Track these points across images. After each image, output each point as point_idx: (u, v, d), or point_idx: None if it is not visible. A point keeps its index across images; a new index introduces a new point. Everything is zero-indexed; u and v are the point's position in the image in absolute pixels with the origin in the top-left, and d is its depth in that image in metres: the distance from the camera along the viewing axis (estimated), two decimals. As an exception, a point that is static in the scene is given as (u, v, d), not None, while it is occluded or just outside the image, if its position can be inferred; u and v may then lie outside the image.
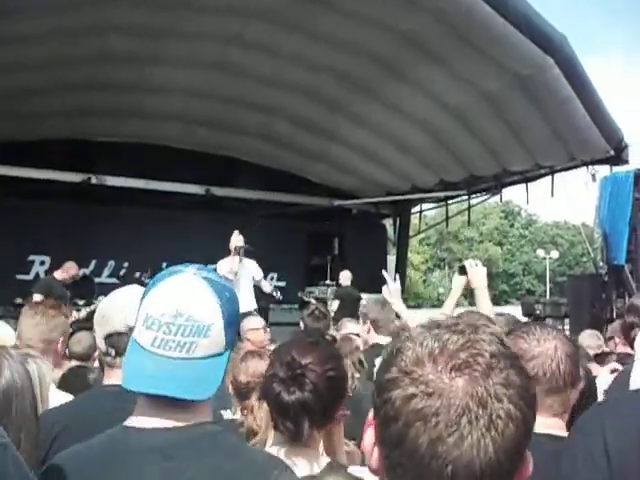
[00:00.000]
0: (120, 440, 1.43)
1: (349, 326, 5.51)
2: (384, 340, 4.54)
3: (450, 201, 15.01)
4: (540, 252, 50.36)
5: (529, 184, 12.73)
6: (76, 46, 9.99)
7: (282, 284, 15.12)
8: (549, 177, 12.10)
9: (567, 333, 9.38)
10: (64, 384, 3.28)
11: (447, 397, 0.83)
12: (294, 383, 1.84)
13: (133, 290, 2.05)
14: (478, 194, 14.27)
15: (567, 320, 11.65)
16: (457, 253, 52.88)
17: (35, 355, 2.66)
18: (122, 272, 13.53)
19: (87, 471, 1.41)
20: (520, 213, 62.18)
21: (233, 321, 1.49)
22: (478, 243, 57.07)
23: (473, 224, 46.57)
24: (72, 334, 4.30)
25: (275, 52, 10.65)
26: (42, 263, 12.91)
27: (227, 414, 3.04)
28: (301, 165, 14.60)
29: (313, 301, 10.07)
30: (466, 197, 14.42)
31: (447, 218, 15.74)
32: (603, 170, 11.19)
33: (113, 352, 2.08)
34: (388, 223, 16.74)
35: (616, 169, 11.05)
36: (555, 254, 49.59)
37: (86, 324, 5.48)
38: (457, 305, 4.49)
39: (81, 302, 10.04)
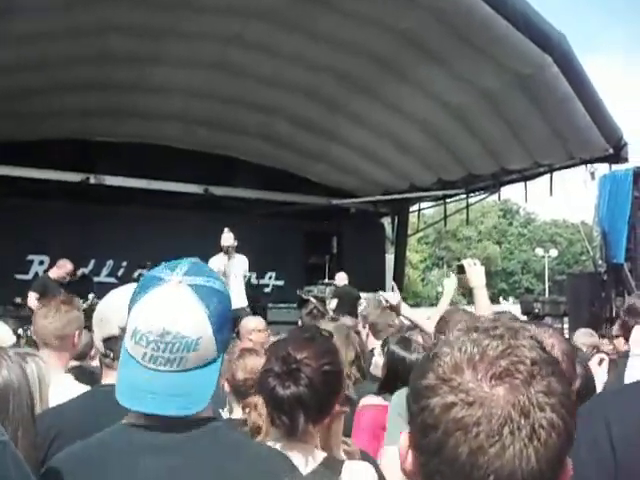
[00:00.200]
0: (120, 438, 1.43)
1: (348, 324, 5.50)
2: None
3: (448, 200, 15.02)
4: (539, 251, 50.32)
5: (527, 183, 12.74)
6: (76, 46, 9.99)
7: (280, 283, 15.14)
8: (548, 176, 12.10)
9: (566, 332, 9.40)
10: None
11: (488, 406, 0.81)
12: (289, 377, 1.84)
13: (130, 290, 2.05)
14: (476, 193, 14.28)
15: (566, 319, 11.64)
16: (455, 252, 52.83)
17: (35, 354, 2.66)
18: (121, 271, 13.54)
19: (87, 470, 1.40)
20: (518, 212, 62.12)
21: (225, 323, 1.47)
22: (476, 242, 57.06)
23: (471, 223, 46.54)
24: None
25: (275, 52, 10.64)
26: (41, 263, 12.90)
27: (224, 414, 3.04)
28: (300, 164, 14.59)
29: (312, 299, 10.07)
30: (464, 196, 14.42)
31: (445, 217, 15.75)
32: (602, 168, 11.20)
33: (111, 354, 2.08)
34: (386, 222, 16.74)
35: (615, 167, 11.05)
36: (554, 253, 49.58)
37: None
38: (454, 304, 4.51)
39: (80, 301, 10.04)
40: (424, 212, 17.25)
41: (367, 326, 4.96)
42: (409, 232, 16.93)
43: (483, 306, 3.86)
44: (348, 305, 10.32)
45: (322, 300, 10.95)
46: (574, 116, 10.20)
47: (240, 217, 12.11)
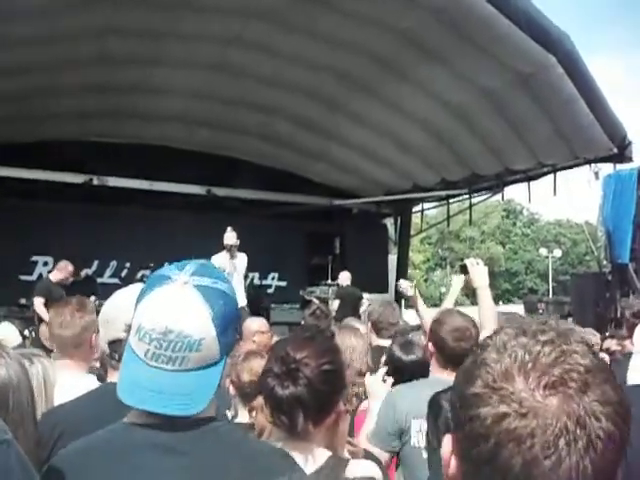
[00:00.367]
0: (121, 436, 1.43)
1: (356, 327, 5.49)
2: (385, 343, 4.52)
3: (451, 200, 14.99)
4: (543, 251, 50.29)
5: (531, 183, 12.71)
6: (77, 48, 10.00)
7: (283, 284, 15.14)
8: (551, 175, 12.07)
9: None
10: None
11: (543, 417, 0.79)
12: (288, 377, 1.85)
13: (135, 291, 2.04)
14: (480, 193, 14.25)
15: (570, 319, 11.61)
16: (459, 252, 52.81)
17: (40, 355, 2.65)
18: (124, 272, 13.55)
19: (89, 468, 1.40)
20: (522, 212, 62.10)
21: (230, 325, 1.47)
22: (480, 242, 57.04)
23: (475, 223, 46.53)
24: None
25: (275, 52, 10.63)
26: (45, 264, 12.92)
27: (229, 414, 3.03)
28: (302, 165, 14.59)
29: (315, 300, 10.08)
30: (467, 196, 14.39)
31: (448, 217, 15.73)
32: (606, 168, 11.16)
33: (117, 356, 2.07)
34: (389, 222, 16.72)
35: (620, 167, 11.01)
36: (558, 253, 49.52)
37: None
38: (457, 304, 4.49)
39: (92, 302, 10.04)
40: (427, 212, 17.24)
41: (369, 324, 4.95)
42: (412, 232, 16.90)
43: (487, 306, 3.84)
44: (350, 306, 10.31)
45: (325, 301, 10.95)
46: (578, 115, 10.17)
47: (243, 218, 12.11)
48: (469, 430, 0.83)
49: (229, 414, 3.03)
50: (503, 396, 0.81)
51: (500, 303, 40.14)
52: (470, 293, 4.33)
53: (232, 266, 9.62)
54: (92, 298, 9.56)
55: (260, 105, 12.30)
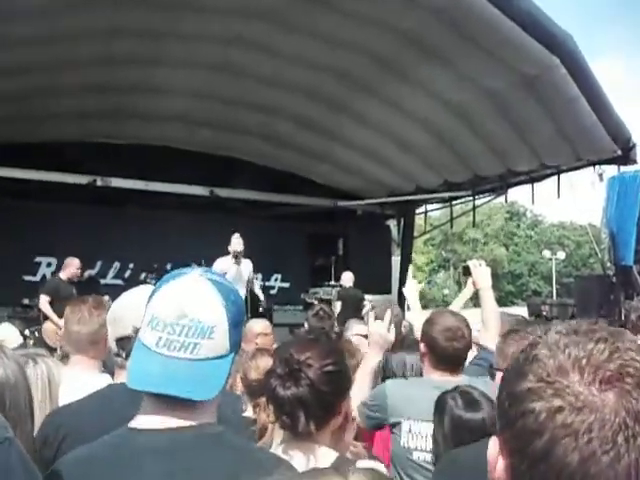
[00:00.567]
0: (125, 442, 1.43)
1: (356, 328, 5.48)
2: None
3: (455, 202, 14.98)
4: (546, 253, 50.22)
5: (535, 184, 12.69)
6: (78, 48, 9.99)
7: (286, 285, 15.14)
8: (555, 177, 12.05)
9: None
10: None
11: (601, 412, 0.77)
12: (290, 378, 1.87)
13: (144, 291, 2.05)
14: (483, 195, 14.24)
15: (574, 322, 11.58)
16: (462, 254, 52.76)
17: (44, 355, 2.66)
18: (127, 273, 13.57)
19: (92, 474, 1.40)
20: (525, 214, 62.06)
21: (238, 323, 1.49)
22: (483, 244, 56.99)
23: (478, 225, 46.49)
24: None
25: (276, 52, 10.63)
26: (49, 265, 12.95)
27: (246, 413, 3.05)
28: (305, 166, 14.59)
29: (316, 302, 10.07)
30: (471, 198, 14.38)
31: (452, 219, 15.72)
32: (610, 170, 11.14)
33: (124, 354, 2.10)
34: (392, 224, 16.71)
35: (624, 169, 10.99)
36: (561, 255, 49.46)
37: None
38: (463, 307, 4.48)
39: (108, 301, 10.06)
40: (430, 214, 17.20)
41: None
42: (415, 234, 16.90)
43: (490, 308, 3.83)
44: (352, 308, 10.29)
45: (328, 302, 10.93)
46: (582, 117, 10.15)
47: (246, 219, 12.12)
48: (521, 426, 0.81)
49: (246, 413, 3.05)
50: (558, 389, 0.79)
51: (509, 304, 40.13)
52: (473, 295, 4.32)
53: (237, 272, 9.62)
54: (106, 297, 9.60)
55: (262, 105, 12.29)
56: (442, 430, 2.50)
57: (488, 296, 3.87)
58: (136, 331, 1.54)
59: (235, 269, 9.58)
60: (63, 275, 10.10)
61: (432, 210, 16.67)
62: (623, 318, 9.44)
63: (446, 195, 14.48)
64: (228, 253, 9.74)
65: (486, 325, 3.45)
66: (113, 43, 10.05)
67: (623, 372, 0.79)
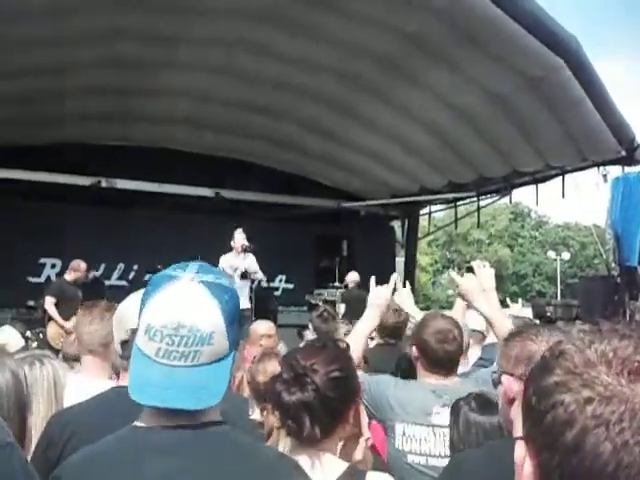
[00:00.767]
0: (130, 441, 1.43)
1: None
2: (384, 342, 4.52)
3: (459, 202, 14.97)
4: (551, 253, 50.12)
5: (539, 185, 12.68)
6: (84, 51, 10.03)
7: (290, 286, 15.15)
8: (559, 178, 12.04)
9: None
10: None
11: (631, 402, 0.76)
12: (295, 383, 1.87)
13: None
14: (487, 195, 14.23)
15: (578, 322, 11.56)
16: (466, 255, 52.69)
17: (50, 356, 2.66)
18: (132, 275, 13.58)
19: (96, 473, 1.41)
20: (530, 214, 61.94)
21: (235, 320, 1.48)
22: (487, 245, 56.91)
23: (482, 226, 46.43)
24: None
25: (282, 55, 10.64)
26: (53, 266, 12.98)
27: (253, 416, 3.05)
28: (309, 167, 14.61)
29: (320, 304, 10.07)
30: (475, 198, 14.37)
31: (456, 220, 15.70)
32: (615, 171, 11.12)
33: (127, 356, 2.08)
34: (397, 225, 16.72)
35: (628, 169, 10.97)
36: (566, 256, 49.34)
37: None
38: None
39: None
40: (434, 215, 17.22)
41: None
42: (419, 235, 16.89)
43: (495, 308, 3.82)
44: (357, 309, 10.26)
45: (332, 304, 10.93)
46: (586, 118, 10.14)
47: (251, 220, 12.11)
48: (551, 420, 0.81)
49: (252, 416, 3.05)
50: (586, 380, 0.79)
51: (509, 302, 39.94)
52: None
53: (244, 267, 9.66)
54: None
55: (268, 108, 12.31)
56: (457, 433, 2.50)
57: (492, 297, 3.87)
58: (134, 331, 1.53)
59: (242, 265, 9.63)
60: (68, 277, 10.11)
61: (436, 211, 16.68)
62: (628, 319, 9.43)
63: (450, 196, 14.47)
64: (230, 249, 9.76)
65: (494, 324, 3.42)
66: (118, 46, 10.07)
67: None
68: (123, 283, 13.23)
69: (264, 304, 11.84)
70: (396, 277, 3.28)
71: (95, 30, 9.53)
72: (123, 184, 12.72)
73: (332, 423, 1.89)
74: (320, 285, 14.07)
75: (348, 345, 2.11)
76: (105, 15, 9.20)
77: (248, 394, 3.17)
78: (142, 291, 2.16)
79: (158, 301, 1.44)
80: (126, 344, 2.09)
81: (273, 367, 2.97)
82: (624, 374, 0.79)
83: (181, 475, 1.37)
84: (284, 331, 7.43)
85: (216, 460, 1.39)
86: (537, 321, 10.40)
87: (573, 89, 9.73)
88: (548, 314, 12.16)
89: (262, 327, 5.44)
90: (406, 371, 3.47)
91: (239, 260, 9.64)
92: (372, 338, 4.86)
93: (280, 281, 15.18)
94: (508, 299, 6.70)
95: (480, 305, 3.30)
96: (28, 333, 8.40)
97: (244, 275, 9.96)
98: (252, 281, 10.37)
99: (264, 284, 13.79)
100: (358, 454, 2.02)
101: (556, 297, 32.74)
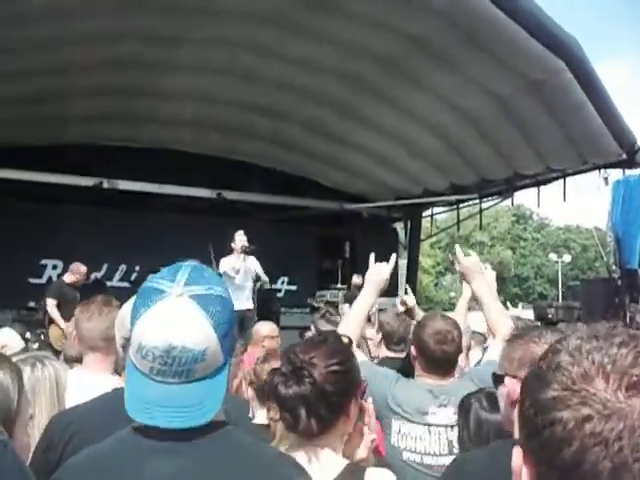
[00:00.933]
0: (131, 442, 1.43)
1: (365, 331, 5.46)
2: (394, 355, 4.50)
3: (461, 205, 14.98)
4: (552, 256, 50.08)
5: (541, 188, 12.69)
6: (89, 52, 10.05)
7: (293, 288, 15.13)
8: (561, 181, 12.05)
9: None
10: None
11: (630, 418, 0.76)
12: (293, 376, 1.87)
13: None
14: (489, 198, 14.23)
15: (580, 325, 11.55)
16: (469, 257, 52.48)
17: (51, 357, 2.67)
18: (134, 276, 13.58)
19: (99, 475, 1.40)
20: (531, 217, 61.89)
21: (229, 329, 1.46)
22: (489, 247, 56.85)
23: (484, 228, 46.35)
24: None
25: (286, 57, 10.66)
26: (55, 267, 12.98)
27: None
28: (312, 169, 14.61)
29: (323, 305, 10.08)
30: (477, 201, 14.37)
31: (458, 222, 15.71)
32: (615, 173, 11.13)
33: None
34: (399, 226, 16.71)
35: (629, 172, 10.98)
36: (567, 258, 49.28)
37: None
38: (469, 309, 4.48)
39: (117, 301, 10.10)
40: (437, 217, 17.19)
41: (380, 334, 4.91)
42: (422, 237, 16.89)
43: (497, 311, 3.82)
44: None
45: (334, 305, 10.93)
46: (587, 121, 10.15)
47: (253, 222, 12.12)
48: (549, 436, 0.80)
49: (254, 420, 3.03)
50: (584, 397, 0.78)
51: (509, 306, 39.92)
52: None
53: (246, 268, 9.67)
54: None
55: (271, 109, 12.32)
56: (467, 431, 2.49)
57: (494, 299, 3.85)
58: (127, 340, 1.52)
59: (244, 266, 9.64)
60: (67, 279, 10.10)
61: (439, 213, 16.66)
62: (628, 321, 9.43)
63: (453, 198, 14.47)
64: (231, 251, 9.77)
65: (484, 304, 3.39)
66: (121, 47, 10.10)
67: None
68: (125, 284, 13.21)
69: (267, 306, 11.84)
70: (395, 257, 3.28)
71: (99, 31, 9.55)
72: (125, 185, 12.73)
73: (330, 417, 1.88)
74: (323, 287, 14.07)
75: (350, 340, 2.11)
76: (108, 16, 9.22)
77: (250, 395, 3.16)
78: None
79: (148, 320, 1.41)
80: (125, 347, 2.10)
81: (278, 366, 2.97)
82: (622, 389, 0.78)
83: (182, 476, 1.36)
84: (286, 333, 7.43)
85: (217, 461, 1.39)
86: (538, 323, 10.41)
87: (574, 92, 9.74)
88: (550, 316, 12.16)
89: (265, 328, 5.46)
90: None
91: (240, 261, 9.65)
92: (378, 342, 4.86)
93: (283, 283, 15.17)
94: (508, 302, 6.70)
95: (477, 286, 3.31)
96: (28, 334, 8.41)
97: (257, 279, 10.01)
98: (255, 282, 10.36)
99: (267, 285, 13.79)
100: (362, 452, 2.02)
101: (557, 299, 32.68)
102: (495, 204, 15.26)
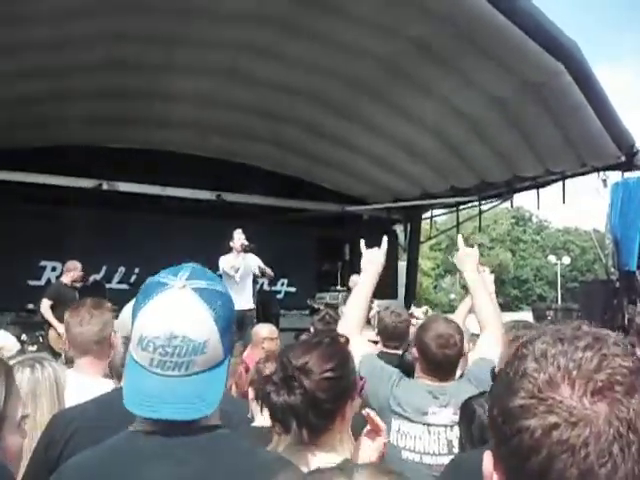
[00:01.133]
0: (127, 445, 1.43)
1: (365, 333, 5.46)
2: (392, 352, 4.52)
3: (461, 207, 14.99)
4: (551, 258, 50.10)
5: (540, 190, 12.71)
6: (89, 53, 10.05)
7: (292, 290, 15.14)
8: (560, 183, 12.07)
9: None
10: None
11: (595, 425, 0.76)
12: (284, 385, 1.85)
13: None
14: (489, 200, 14.25)
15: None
16: (468, 259, 52.44)
17: (49, 359, 2.67)
18: (133, 278, 13.57)
19: (97, 478, 1.41)
20: (531, 219, 61.92)
21: (229, 326, 1.47)
22: (489, 249, 56.86)
23: (484, 230, 46.38)
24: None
25: (287, 59, 10.67)
26: (54, 269, 12.96)
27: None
28: (312, 171, 14.62)
29: (322, 307, 10.08)
30: (477, 203, 14.39)
31: (458, 224, 15.71)
32: (614, 176, 11.15)
33: None
34: (399, 229, 16.72)
35: (627, 175, 11.00)
36: (567, 260, 49.30)
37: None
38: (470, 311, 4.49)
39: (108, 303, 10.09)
40: (436, 219, 17.23)
41: (377, 331, 4.93)
42: (421, 239, 16.89)
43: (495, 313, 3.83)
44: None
45: (334, 307, 10.94)
46: (586, 124, 10.16)
47: (253, 224, 12.12)
48: (517, 444, 0.80)
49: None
50: (551, 405, 0.79)
51: (515, 309, 40.01)
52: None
53: (246, 266, 9.65)
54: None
55: (272, 112, 12.32)
56: (471, 438, 2.49)
57: (492, 298, 3.87)
58: (127, 339, 1.52)
59: (243, 265, 9.61)
60: (65, 279, 10.08)
61: (438, 215, 16.69)
62: (626, 322, 9.44)
63: (452, 200, 14.48)
64: (230, 250, 9.75)
65: (474, 296, 3.39)
66: (122, 49, 10.10)
67: (613, 380, 0.79)
68: (124, 286, 13.22)
69: (266, 307, 11.84)
70: (386, 240, 3.29)
71: (100, 33, 9.55)
72: (125, 187, 12.71)
73: (324, 423, 1.86)
74: (322, 289, 14.08)
75: (347, 339, 2.09)
76: (112, 18, 9.23)
77: (251, 396, 3.17)
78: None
79: (150, 311, 1.42)
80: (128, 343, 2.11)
81: None
82: (587, 395, 0.79)
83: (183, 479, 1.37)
84: (286, 335, 7.44)
85: (214, 465, 1.39)
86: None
87: (573, 94, 9.74)
88: (549, 318, 12.18)
89: (264, 330, 5.47)
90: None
91: (239, 260, 9.62)
92: (376, 342, 4.87)
93: (282, 284, 15.17)
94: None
95: (469, 275, 3.34)
96: (24, 336, 8.39)
97: (262, 274, 9.96)
98: (255, 281, 10.33)
99: (266, 287, 13.79)
100: (373, 455, 1.98)
101: (557, 301, 32.73)
102: (494, 206, 15.27)
